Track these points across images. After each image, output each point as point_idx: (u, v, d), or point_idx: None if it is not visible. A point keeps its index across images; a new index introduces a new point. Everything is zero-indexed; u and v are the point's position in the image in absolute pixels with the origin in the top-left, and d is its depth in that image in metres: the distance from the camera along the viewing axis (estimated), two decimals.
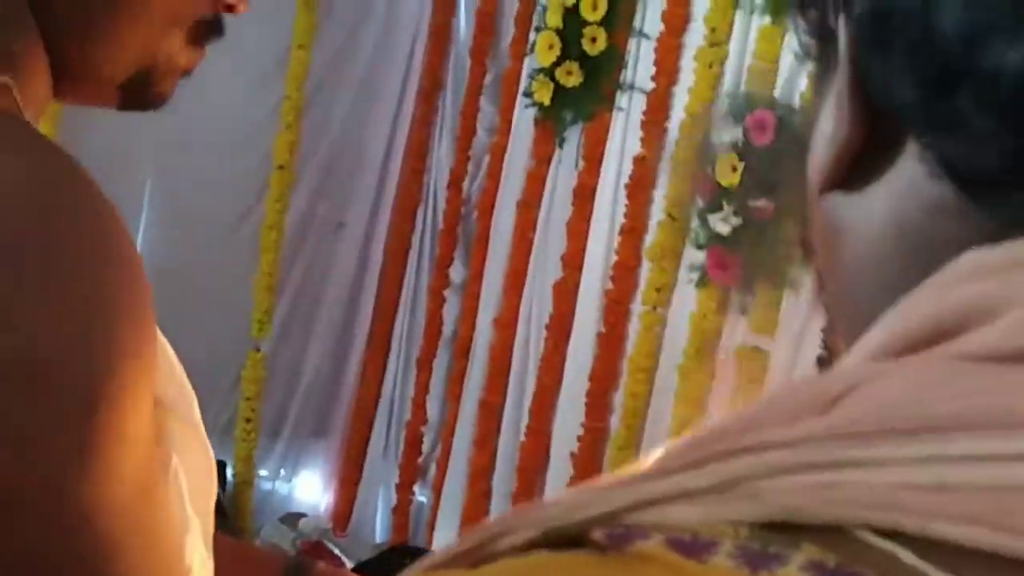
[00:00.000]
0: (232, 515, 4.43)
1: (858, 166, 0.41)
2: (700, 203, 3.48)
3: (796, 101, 3.33)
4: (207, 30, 0.84)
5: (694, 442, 0.37)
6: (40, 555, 0.62)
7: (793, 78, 3.35)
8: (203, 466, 0.82)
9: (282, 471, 4.84)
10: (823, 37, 0.44)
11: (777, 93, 3.37)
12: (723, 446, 0.36)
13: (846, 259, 0.43)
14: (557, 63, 3.92)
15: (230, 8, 0.85)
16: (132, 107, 0.84)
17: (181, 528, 0.74)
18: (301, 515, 4.64)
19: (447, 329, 4.58)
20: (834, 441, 0.34)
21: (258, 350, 4.65)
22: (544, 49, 3.94)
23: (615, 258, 3.79)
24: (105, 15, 0.77)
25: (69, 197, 0.65)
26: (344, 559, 4.22)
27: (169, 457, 0.74)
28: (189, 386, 0.83)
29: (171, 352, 0.80)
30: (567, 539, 0.36)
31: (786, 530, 0.33)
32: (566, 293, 3.95)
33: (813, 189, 0.45)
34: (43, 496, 0.61)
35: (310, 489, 4.87)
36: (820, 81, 0.45)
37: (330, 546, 4.32)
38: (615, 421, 3.76)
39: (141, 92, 0.82)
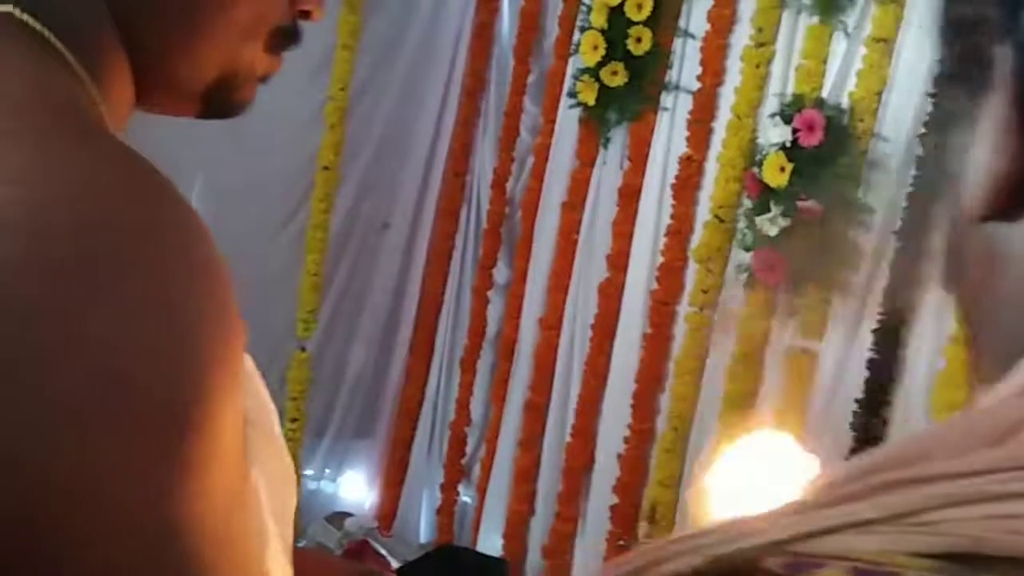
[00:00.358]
0: None
1: (1018, 197, 0.40)
2: (748, 204, 3.47)
3: (844, 101, 3.30)
4: (284, 38, 0.85)
5: (856, 471, 0.37)
6: (128, 572, 0.61)
7: (841, 78, 3.32)
8: (282, 479, 0.82)
9: (327, 470, 4.86)
10: (978, 64, 0.42)
11: (825, 93, 3.34)
12: (891, 476, 0.35)
13: (1003, 288, 0.43)
14: (602, 63, 3.91)
15: (306, 15, 0.86)
16: (212, 115, 0.85)
17: (261, 540, 0.74)
18: (347, 514, 4.66)
19: (491, 329, 4.59)
20: (1013, 472, 0.33)
21: (303, 350, 4.67)
22: (589, 49, 3.93)
23: (661, 259, 3.77)
24: (187, 26, 0.77)
25: (159, 212, 0.64)
26: (390, 558, 4.23)
27: (250, 469, 0.74)
28: (269, 398, 0.83)
29: (251, 363, 0.80)
30: (733, 567, 0.35)
31: (968, 562, 0.33)
32: (611, 294, 3.94)
33: (968, 216, 0.44)
34: (137, 515, 0.60)
35: (355, 489, 4.89)
36: (969, 107, 0.44)
37: (376, 545, 4.33)
38: (661, 423, 3.75)
39: (222, 101, 0.83)
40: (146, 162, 0.66)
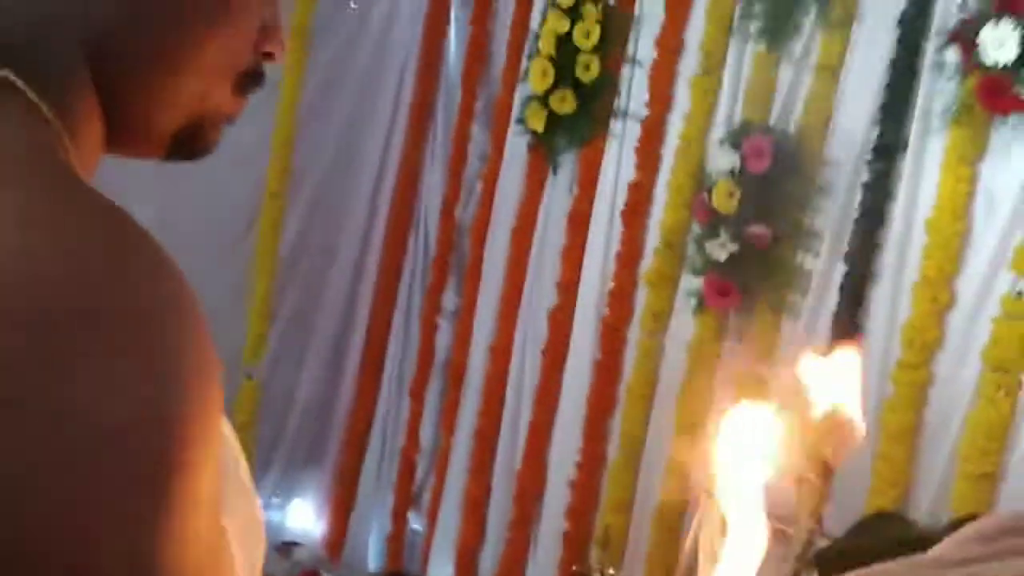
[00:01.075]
0: None
1: None
2: (697, 229, 3.49)
3: (792, 127, 3.34)
4: (251, 80, 0.85)
5: (985, 531, 0.37)
6: None
7: (789, 105, 3.37)
8: (251, 523, 0.82)
9: (275, 499, 4.81)
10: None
11: (773, 120, 3.38)
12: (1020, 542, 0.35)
13: None
14: (550, 90, 3.93)
15: (270, 57, 0.86)
16: (179, 158, 0.84)
17: None
18: (295, 544, 4.61)
19: (440, 356, 4.57)
20: None
21: (250, 377, 4.63)
22: (538, 76, 3.95)
23: (611, 284, 3.79)
24: (159, 70, 0.77)
25: (145, 267, 0.65)
26: None
27: (220, 514, 0.74)
28: (234, 440, 0.83)
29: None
30: None
31: None
32: (561, 320, 3.95)
33: None
34: (125, 561, 0.60)
35: (304, 517, 4.84)
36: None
37: (326, 575, 4.29)
38: (613, 449, 3.75)
39: (191, 143, 0.83)
40: (127, 214, 0.66)
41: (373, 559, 4.71)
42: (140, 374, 0.62)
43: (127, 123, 0.78)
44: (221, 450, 0.72)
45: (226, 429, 0.78)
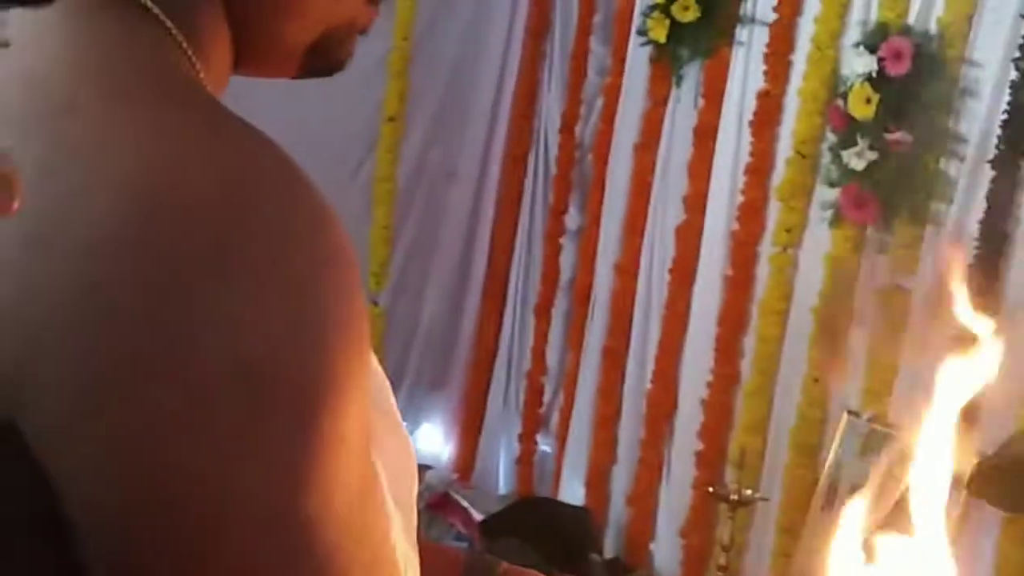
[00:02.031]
0: None
1: None
2: (832, 138, 3.35)
3: (932, 27, 3.17)
4: None
5: None
6: (267, 571, 0.58)
7: (928, 3, 3.19)
8: (402, 458, 0.79)
9: (404, 424, 4.82)
10: None
11: (911, 19, 3.21)
12: None
13: None
14: None
15: None
16: (316, 74, 0.81)
17: (386, 523, 0.70)
18: (426, 467, 4.63)
19: (564, 276, 4.52)
20: None
21: (376, 304, 4.64)
22: None
23: (741, 198, 3.68)
24: None
25: (289, 194, 0.61)
26: (472, 511, 4.20)
27: (370, 451, 0.70)
28: (382, 374, 0.80)
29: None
30: None
31: None
32: (689, 236, 3.85)
33: None
34: (270, 507, 0.57)
35: (432, 441, 4.87)
36: None
37: (457, 498, 4.30)
38: (746, 366, 3.67)
39: (325, 57, 0.79)
40: (266, 137, 0.63)
41: (503, 481, 4.72)
42: (290, 313, 0.58)
43: (258, 40, 0.74)
44: (370, 388, 0.69)
45: (372, 361, 0.75)
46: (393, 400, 0.81)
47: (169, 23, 0.67)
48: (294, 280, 0.59)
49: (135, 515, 0.56)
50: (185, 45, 0.67)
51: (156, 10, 0.66)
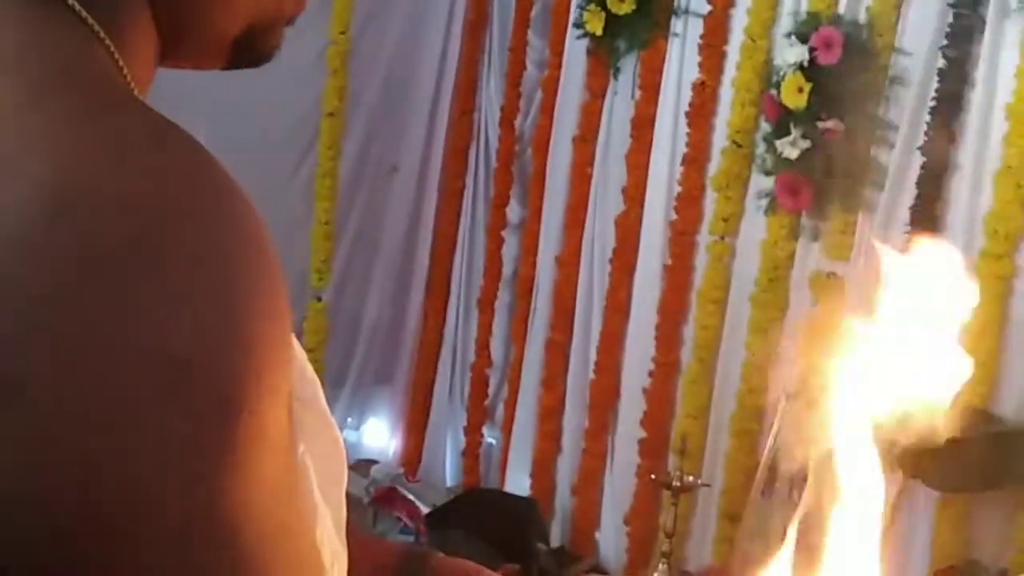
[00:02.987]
0: None
1: None
2: (766, 127, 3.40)
3: (862, 16, 3.22)
4: None
5: None
6: (182, 572, 0.57)
7: None
8: (332, 453, 0.77)
9: (349, 419, 4.83)
10: None
11: (841, 9, 3.26)
12: None
13: None
14: None
15: None
16: (244, 64, 0.78)
17: (311, 519, 0.70)
18: (372, 462, 4.63)
19: (507, 269, 4.54)
20: None
21: (319, 300, 4.63)
22: None
23: (678, 189, 3.71)
24: None
25: (207, 190, 0.60)
26: (418, 504, 4.21)
27: (296, 445, 0.69)
28: (311, 369, 0.78)
29: (292, 336, 0.76)
30: None
31: None
32: (629, 227, 3.88)
33: None
34: (186, 507, 0.56)
35: (378, 436, 4.87)
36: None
37: (403, 491, 4.31)
38: (686, 354, 3.71)
39: (253, 47, 0.77)
40: (186, 134, 0.61)
41: (450, 474, 4.73)
42: (208, 306, 0.57)
43: (184, 32, 0.72)
44: (295, 380, 0.68)
45: (300, 356, 0.74)
46: (322, 394, 0.78)
47: (86, 15, 0.65)
48: (215, 275, 0.58)
49: (45, 512, 0.54)
50: (104, 37, 0.65)
51: (72, 1, 0.64)
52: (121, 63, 0.66)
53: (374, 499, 4.25)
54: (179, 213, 0.57)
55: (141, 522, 0.55)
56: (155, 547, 0.55)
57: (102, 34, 0.65)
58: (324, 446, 0.74)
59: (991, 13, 2.93)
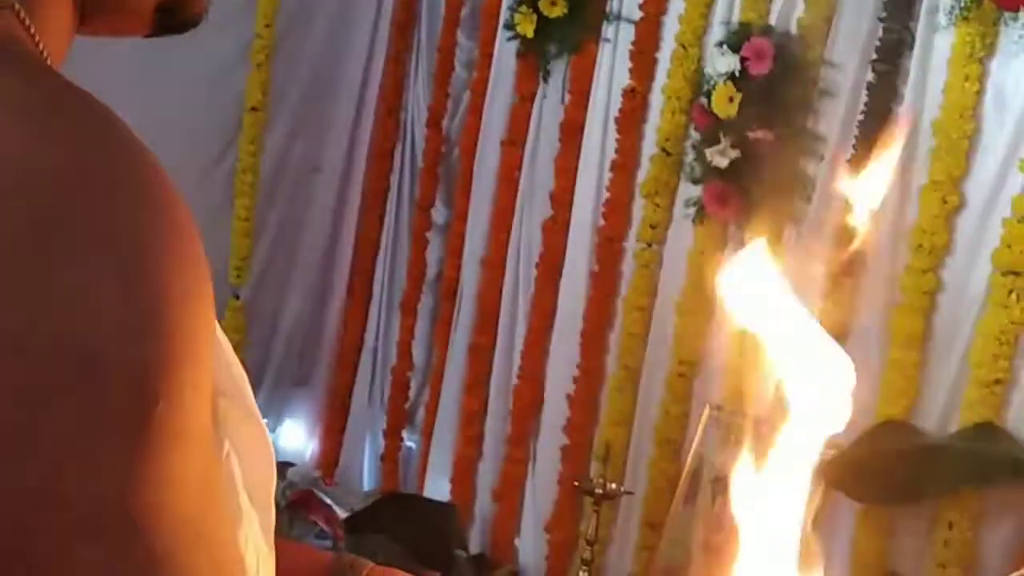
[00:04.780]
0: None
1: None
2: (696, 136, 3.40)
3: (793, 28, 3.24)
4: None
5: None
6: (90, 571, 0.53)
7: (789, 5, 3.26)
8: (260, 454, 0.72)
9: (265, 420, 4.72)
10: None
11: (773, 20, 3.27)
12: None
13: None
14: None
15: None
16: (168, 31, 0.75)
17: (234, 521, 0.66)
18: (288, 464, 4.56)
19: (431, 271, 4.49)
20: None
21: (237, 297, 4.55)
22: None
23: (606, 195, 3.70)
24: None
25: (124, 166, 0.56)
26: (336, 508, 4.15)
27: (221, 443, 0.65)
28: (238, 364, 0.74)
29: (216, 325, 0.71)
30: None
31: None
32: (556, 231, 3.86)
33: None
34: (92, 509, 0.52)
35: (295, 438, 4.80)
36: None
37: (320, 495, 4.25)
38: (611, 361, 3.69)
39: (176, 12, 0.73)
40: (97, 102, 0.57)
41: (368, 478, 4.67)
42: (120, 291, 0.53)
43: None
44: (220, 373, 0.65)
45: (227, 349, 0.70)
46: (250, 391, 0.73)
47: None
48: (131, 258, 0.54)
49: None
50: (15, 5, 0.62)
51: None
52: (32, 29, 0.62)
53: (291, 503, 4.18)
54: (86, 188, 0.54)
55: (45, 518, 0.51)
56: (60, 544, 0.51)
57: (14, 3, 0.61)
58: (251, 445, 0.70)
59: (920, 28, 2.96)
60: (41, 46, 0.63)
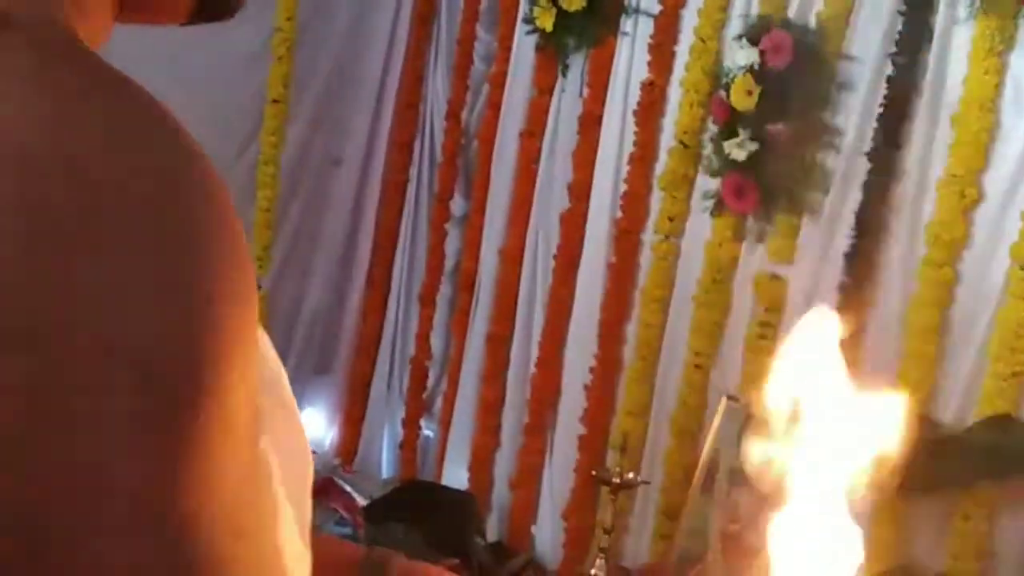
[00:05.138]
0: None
1: None
2: (714, 129, 3.41)
3: (811, 21, 3.24)
4: None
5: None
6: (132, 573, 0.53)
7: None
8: (296, 449, 0.72)
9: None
10: None
11: (791, 14, 3.28)
12: None
13: None
14: None
15: None
16: (208, 17, 0.74)
17: (273, 519, 0.65)
18: None
19: (449, 262, 4.52)
20: None
21: (258, 288, 4.57)
22: None
23: (624, 187, 3.72)
24: None
25: (162, 142, 0.56)
26: (355, 495, 4.18)
27: (259, 437, 0.64)
28: (276, 357, 0.74)
29: (257, 321, 0.72)
30: None
31: None
32: (574, 223, 3.88)
33: None
34: (140, 503, 0.52)
35: (315, 426, 4.83)
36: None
37: (340, 483, 4.28)
38: (629, 352, 3.71)
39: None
40: (142, 89, 0.57)
41: (387, 466, 4.71)
42: (170, 288, 0.53)
43: None
44: (260, 370, 0.63)
45: (264, 342, 0.70)
46: (289, 388, 0.73)
47: None
48: (175, 249, 0.53)
49: None
50: None
51: None
52: (73, 16, 0.62)
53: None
54: (138, 180, 0.53)
55: (95, 514, 0.51)
56: (103, 545, 0.52)
57: None
58: (288, 439, 0.70)
59: (940, 21, 2.96)
60: (82, 34, 0.62)
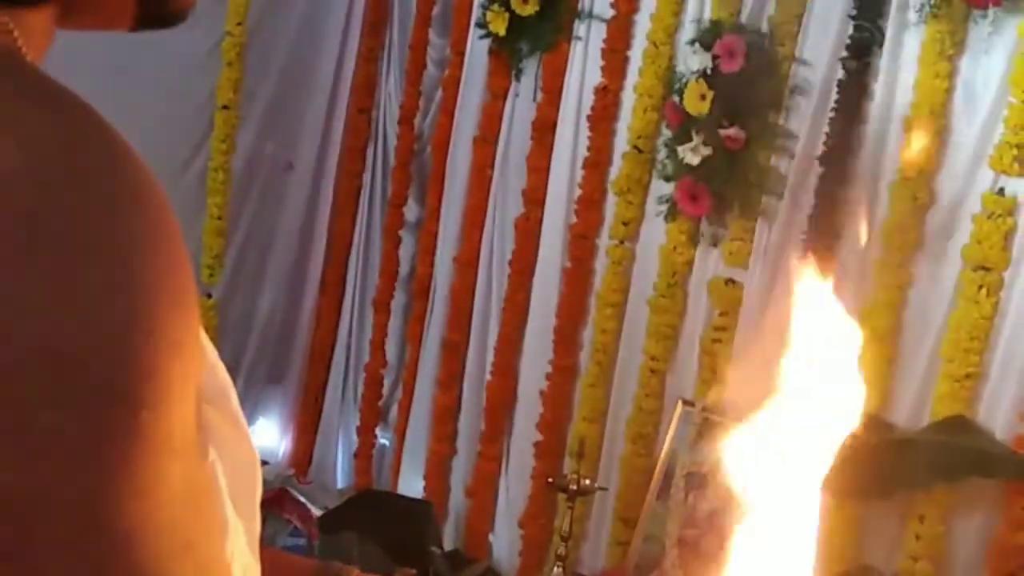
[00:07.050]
0: None
1: None
2: (667, 133, 3.41)
3: (764, 26, 3.25)
4: None
5: None
6: None
7: (759, 2, 3.27)
8: (245, 462, 0.72)
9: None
10: None
11: (744, 18, 3.29)
12: None
13: None
14: None
15: None
16: (153, 24, 0.72)
17: (220, 530, 0.65)
18: (262, 462, 4.54)
19: (404, 268, 4.49)
20: None
21: (209, 296, 4.53)
22: None
23: (579, 192, 3.71)
24: None
25: (100, 154, 0.55)
26: (310, 506, 4.14)
27: (206, 450, 0.64)
28: (223, 368, 0.73)
29: (201, 331, 0.70)
30: None
31: None
32: (528, 229, 3.87)
33: None
34: (79, 517, 0.51)
35: (269, 436, 4.78)
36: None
37: (294, 493, 4.23)
38: (585, 358, 3.71)
39: (163, 6, 0.72)
40: (77, 98, 0.56)
41: (341, 475, 4.67)
42: (104, 297, 0.52)
43: None
44: (204, 378, 0.64)
45: (211, 354, 0.69)
46: (235, 398, 0.73)
47: None
48: (110, 258, 0.53)
49: None
50: (4, 16, 0.60)
51: None
52: (12, 27, 0.61)
53: (264, 501, 4.15)
54: (73, 189, 0.53)
55: (31, 528, 0.50)
56: (42, 559, 0.51)
57: None
58: (236, 453, 0.69)
59: (890, 26, 2.98)
60: (19, 41, 0.61)
